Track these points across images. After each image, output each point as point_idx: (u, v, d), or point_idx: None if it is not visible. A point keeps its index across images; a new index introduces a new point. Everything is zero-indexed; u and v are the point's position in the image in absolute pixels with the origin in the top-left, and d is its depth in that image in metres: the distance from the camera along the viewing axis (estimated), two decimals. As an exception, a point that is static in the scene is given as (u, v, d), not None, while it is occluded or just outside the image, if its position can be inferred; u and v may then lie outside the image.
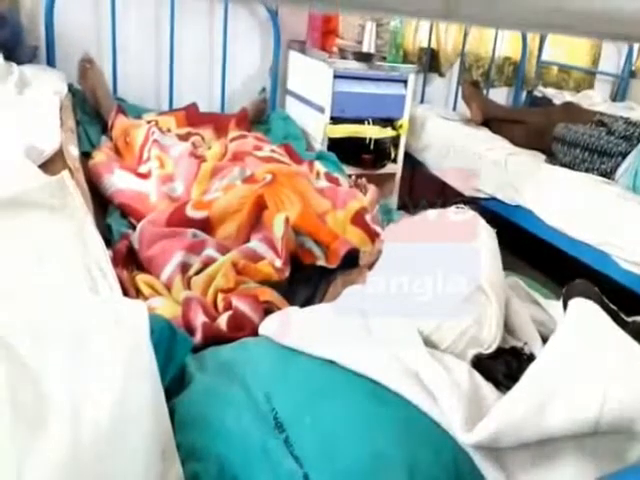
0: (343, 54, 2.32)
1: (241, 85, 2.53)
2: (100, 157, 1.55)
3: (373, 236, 1.16)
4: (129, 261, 1.07)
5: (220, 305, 0.92)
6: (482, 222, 0.94)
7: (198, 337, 0.86)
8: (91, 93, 1.97)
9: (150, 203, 1.35)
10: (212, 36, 2.41)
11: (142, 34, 2.26)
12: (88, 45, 2.13)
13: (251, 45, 2.53)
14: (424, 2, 0.22)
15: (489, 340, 0.79)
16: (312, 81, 2.42)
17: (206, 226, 1.12)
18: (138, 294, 0.98)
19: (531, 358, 0.80)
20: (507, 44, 3.28)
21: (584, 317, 0.70)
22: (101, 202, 1.42)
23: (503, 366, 0.76)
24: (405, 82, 2.46)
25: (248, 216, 1.10)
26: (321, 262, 1.06)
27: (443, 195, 2.61)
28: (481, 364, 0.78)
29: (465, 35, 3.02)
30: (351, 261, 1.05)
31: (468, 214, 0.96)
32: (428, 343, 0.80)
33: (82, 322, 0.62)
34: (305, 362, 0.73)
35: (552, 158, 2.57)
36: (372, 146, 2.44)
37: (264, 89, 2.55)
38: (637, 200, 2.08)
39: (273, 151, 1.46)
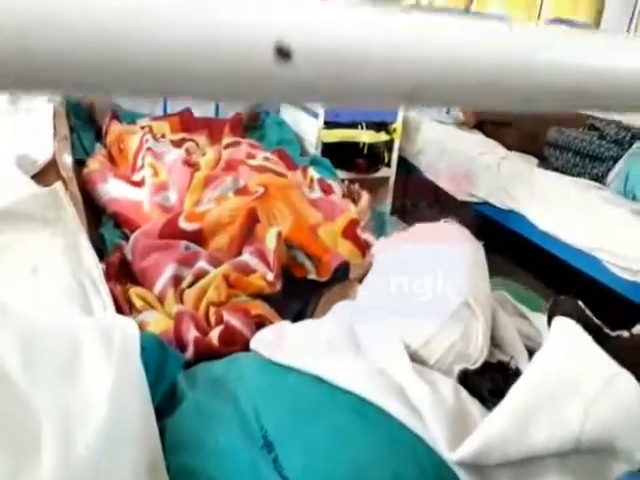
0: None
1: (235, 89, 2.53)
2: (94, 165, 1.55)
3: (364, 249, 1.17)
4: (122, 273, 1.08)
5: (212, 318, 0.93)
6: (468, 234, 0.95)
7: (190, 352, 0.87)
8: (85, 99, 1.97)
9: (143, 212, 1.36)
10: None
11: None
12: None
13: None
14: (387, 98, 0.23)
15: (475, 355, 0.80)
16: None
17: (198, 238, 1.13)
18: (131, 307, 0.98)
19: (517, 373, 0.81)
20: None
21: (567, 337, 0.71)
22: (95, 211, 1.43)
23: (489, 382, 0.77)
24: (399, 86, 2.47)
25: (240, 229, 1.11)
26: (312, 275, 1.07)
27: (437, 199, 2.63)
28: (467, 379, 0.79)
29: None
30: (342, 274, 1.06)
31: (455, 227, 0.97)
32: (416, 358, 0.81)
33: (72, 341, 0.63)
34: (294, 379, 0.74)
35: (545, 162, 2.59)
36: (366, 150, 2.45)
37: (258, 93, 2.55)
38: (628, 206, 2.09)
39: (266, 159, 1.46)
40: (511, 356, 0.87)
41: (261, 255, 1.04)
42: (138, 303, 0.98)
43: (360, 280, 0.94)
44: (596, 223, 2.07)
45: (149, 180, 1.43)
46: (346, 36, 0.22)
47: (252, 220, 1.12)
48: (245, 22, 0.21)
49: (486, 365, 0.81)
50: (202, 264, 1.05)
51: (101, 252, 1.24)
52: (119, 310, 0.95)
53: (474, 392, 0.78)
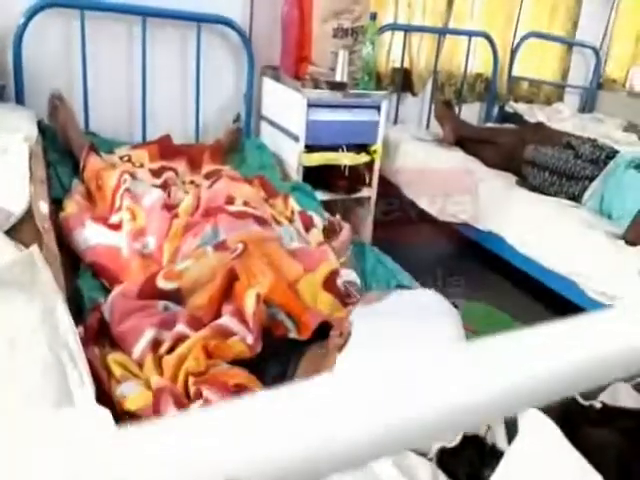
0: (316, 83, 2.30)
1: (215, 111, 2.51)
2: (71, 208, 1.52)
3: (345, 300, 1.17)
4: (101, 335, 1.06)
5: (191, 390, 0.92)
6: (447, 307, 0.95)
7: (168, 432, 0.86)
8: (62, 131, 1.93)
9: (122, 259, 1.34)
10: (185, 63, 2.38)
11: (113, 65, 2.22)
12: (58, 79, 2.09)
13: (225, 71, 2.50)
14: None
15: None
16: (286, 109, 2.40)
17: (177, 297, 1.12)
18: (109, 376, 0.97)
19: (494, 450, 0.81)
20: (479, 60, 3.30)
21: (537, 436, 0.72)
22: (72, 258, 1.41)
23: (467, 465, 0.77)
24: (378, 108, 2.46)
25: (220, 287, 1.10)
26: (293, 335, 1.06)
27: (417, 218, 2.63)
28: (445, 459, 0.79)
29: (437, 53, 3.03)
30: (323, 332, 1.05)
31: (434, 298, 0.96)
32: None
33: (45, 448, 0.61)
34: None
35: (523, 180, 2.60)
36: (347, 172, 2.44)
37: (239, 115, 2.53)
38: (603, 228, 2.11)
39: (245, 203, 1.45)
40: (488, 425, 0.87)
41: (240, 316, 1.03)
42: (117, 372, 0.97)
43: (339, 349, 0.93)
44: (572, 247, 2.08)
45: (127, 225, 1.41)
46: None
47: (231, 279, 1.11)
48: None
49: (463, 440, 0.81)
50: (181, 328, 1.03)
51: (79, 307, 1.22)
52: (97, 379, 0.93)
53: (452, 474, 0.78)
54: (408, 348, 0.86)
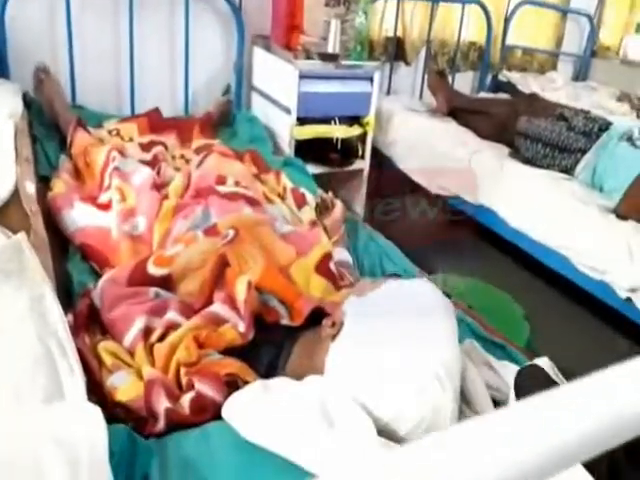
0: (308, 54, 2.25)
1: (205, 83, 2.44)
2: (59, 188, 1.48)
3: (338, 283, 1.15)
4: (91, 322, 1.04)
5: (183, 380, 0.91)
6: (441, 297, 0.94)
7: (161, 424, 0.85)
8: (48, 105, 1.88)
9: (111, 241, 1.31)
10: (173, 33, 2.31)
11: (100, 36, 2.14)
12: (44, 51, 2.02)
13: (214, 41, 2.43)
14: None
15: (445, 425, 0.80)
16: (277, 80, 2.35)
17: (168, 283, 1.10)
18: (100, 365, 0.96)
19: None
20: (472, 29, 3.23)
21: None
22: (61, 239, 1.38)
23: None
24: (371, 79, 2.41)
25: (211, 274, 1.08)
26: (285, 321, 1.05)
27: (410, 191, 2.60)
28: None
29: (431, 21, 2.96)
30: (316, 317, 1.04)
31: (428, 288, 0.95)
32: (387, 430, 0.80)
33: (35, 469, 0.60)
34: (265, 464, 0.74)
35: (516, 152, 2.58)
36: (339, 145, 2.40)
37: (229, 86, 2.47)
38: (594, 202, 2.10)
39: (237, 183, 1.42)
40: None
41: (232, 303, 1.02)
42: (108, 361, 0.95)
43: (332, 338, 0.92)
44: (563, 221, 2.07)
45: (117, 206, 1.38)
46: None
47: (222, 265, 1.09)
48: None
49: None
50: (172, 315, 1.02)
51: (68, 292, 1.20)
52: (87, 369, 0.92)
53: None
54: (401, 343, 0.86)
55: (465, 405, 0.89)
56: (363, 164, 2.54)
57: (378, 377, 0.82)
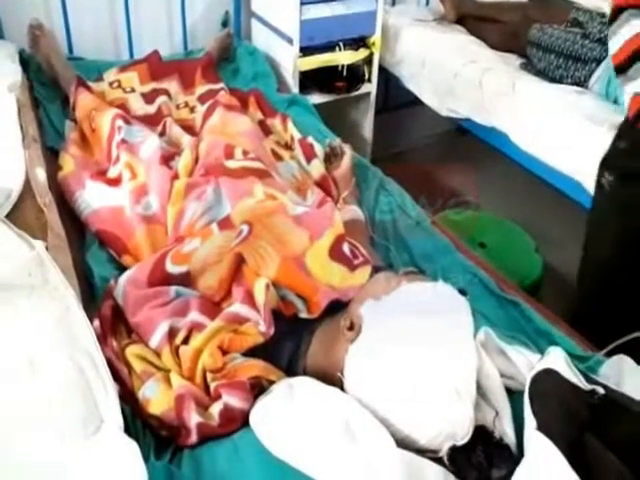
0: (307, -24, 2.04)
1: (203, 12, 2.25)
2: (69, 166, 1.43)
3: (353, 264, 1.12)
4: (116, 322, 1.04)
5: (211, 386, 0.92)
6: (459, 301, 0.91)
7: (194, 438, 0.87)
8: (46, 63, 1.77)
9: (125, 220, 1.28)
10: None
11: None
12: (36, 5, 1.85)
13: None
14: None
15: (462, 434, 0.80)
16: (278, 6, 2.16)
17: (187, 279, 1.08)
18: (130, 371, 0.96)
19: (500, 444, 0.83)
20: None
21: (542, 461, 0.72)
22: (77, 224, 1.34)
23: (476, 470, 0.78)
24: (375, -4, 2.20)
25: (228, 270, 1.06)
26: (303, 314, 1.04)
27: (418, 110, 2.47)
28: (455, 457, 0.81)
29: None
30: (334, 307, 1.03)
31: (446, 292, 0.93)
32: (406, 441, 0.82)
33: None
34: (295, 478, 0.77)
35: (527, 62, 2.40)
36: (345, 72, 2.26)
37: (227, 13, 2.29)
38: (608, 120, 1.97)
39: (245, 153, 1.34)
40: (495, 412, 0.88)
41: (251, 302, 1.01)
42: (138, 367, 0.96)
43: (352, 341, 0.91)
44: (575, 144, 1.97)
45: (127, 184, 1.33)
46: None
47: (239, 261, 1.06)
48: None
49: (473, 436, 0.82)
50: (194, 315, 1.01)
51: (90, 285, 1.19)
52: (117, 378, 0.93)
53: (461, 475, 0.80)
54: (419, 353, 0.85)
55: (480, 397, 0.89)
56: (370, 87, 2.40)
57: (397, 391, 0.82)
